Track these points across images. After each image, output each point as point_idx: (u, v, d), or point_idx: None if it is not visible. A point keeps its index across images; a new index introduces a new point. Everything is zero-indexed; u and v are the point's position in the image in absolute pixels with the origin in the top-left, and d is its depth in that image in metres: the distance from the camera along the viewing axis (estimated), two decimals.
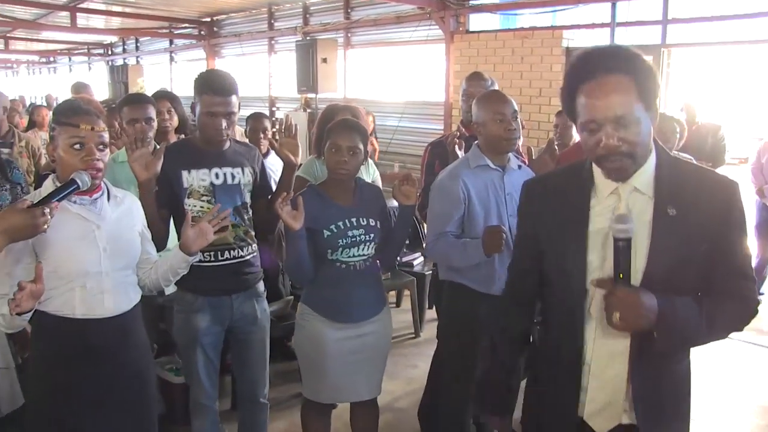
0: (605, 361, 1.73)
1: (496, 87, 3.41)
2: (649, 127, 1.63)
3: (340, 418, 3.35)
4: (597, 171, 1.73)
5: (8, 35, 15.85)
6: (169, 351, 3.76)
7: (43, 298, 2.01)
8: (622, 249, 1.58)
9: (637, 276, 1.63)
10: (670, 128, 4.30)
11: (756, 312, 1.73)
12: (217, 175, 2.72)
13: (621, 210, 1.67)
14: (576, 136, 4.86)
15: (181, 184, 2.68)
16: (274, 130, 2.99)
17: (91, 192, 2.13)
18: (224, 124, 2.64)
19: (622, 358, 1.71)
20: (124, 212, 2.28)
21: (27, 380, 2.39)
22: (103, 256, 2.14)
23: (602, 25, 7.00)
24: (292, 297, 4.33)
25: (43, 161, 4.99)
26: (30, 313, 1.96)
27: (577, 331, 1.75)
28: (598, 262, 1.69)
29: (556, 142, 4.88)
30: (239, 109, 2.72)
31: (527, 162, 3.35)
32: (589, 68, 1.63)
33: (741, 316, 1.71)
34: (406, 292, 5.39)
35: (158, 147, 2.61)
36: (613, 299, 1.59)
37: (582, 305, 1.73)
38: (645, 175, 1.67)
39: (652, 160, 1.68)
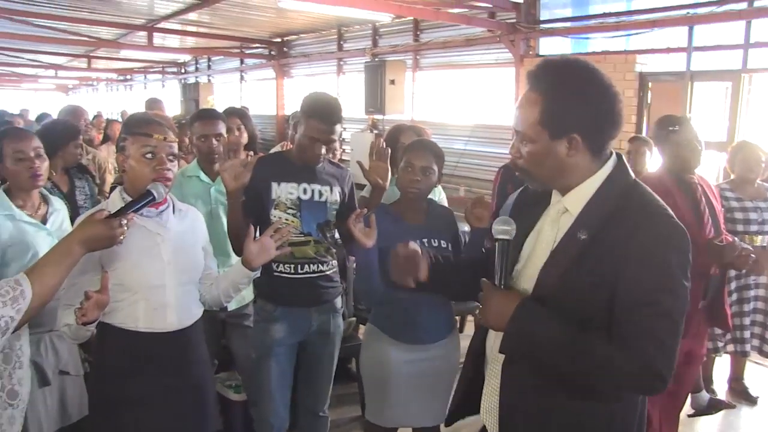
0: (495, 365, 1.72)
1: None
2: (559, 156, 1.58)
3: None
4: None
5: (91, 54, 16.53)
6: (230, 367, 3.76)
7: (107, 310, 2.01)
8: (499, 249, 1.64)
9: (529, 286, 1.63)
10: (754, 157, 4.09)
11: (648, 378, 1.47)
12: (305, 191, 2.77)
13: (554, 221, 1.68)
14: (648, 164, 4.70)
15: (269, 195, 2.73)
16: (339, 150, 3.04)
17: (158, 204, 2.13)
18: (324, 150, 2.71)
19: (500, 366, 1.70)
20: (188, 226, 2.29)
21: (89, 389, 2.41)
22: (167, 269, 2.15)
23: (678, 50, 6.78)
24: (354, 318, 4.29)
25: (108, 175, 5.14)
26: (94, 324, 1.96)
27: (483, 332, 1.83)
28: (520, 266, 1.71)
29: None
30: (341, 135, 2.78)
31: None
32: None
33: (623, 369, 1.46)
34: (470, 318, 5.28)
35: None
36: (480, 295, 1.64)
37: None
38: (576, 197, 1.62)
39: (591, 184, 1.60)
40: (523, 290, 1.65)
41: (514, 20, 8.17)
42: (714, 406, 4.28)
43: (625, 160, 1.66)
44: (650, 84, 7.00)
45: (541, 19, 8.13)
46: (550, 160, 1.59)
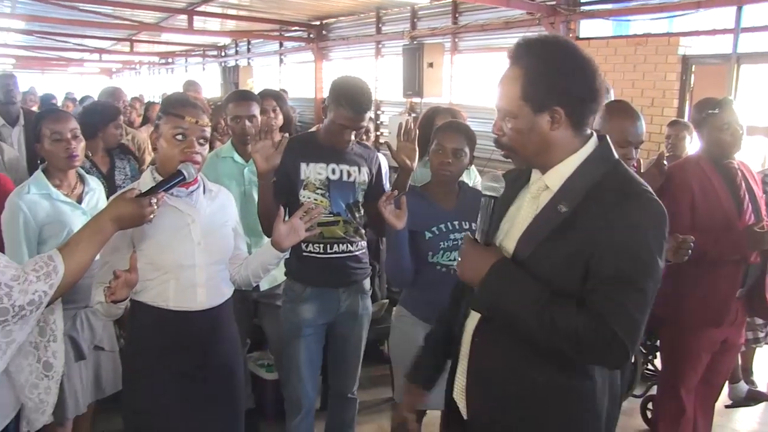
0: (466, 347, 1.75)
1: (612, 94, 3.18)
2: (542, 131, 1.58)
3: (427, 426, 3.28)
4: None
5: (133, 38, 16.78)
6: (262, 346, 3.81)
7: (139, 288, 2.06)
8: (484, 205, 1.66)
9: (509, 253, 1.65)
10: None
11: (610, 348, 1.47)
12: (333, 171, 2.78)
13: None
14: (689, 148, 4.60)
15: (298, 175, 2.75)
16: (378, 132, 3.04)
17: (188, 184, 2.16)
18: (352, 136, 2.74)
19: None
20: (219, 207, 2.31)
21: (122, 364, 2.47)
22: (197, 249, 2.17)
23: (724, 32, 6.56)
24: (387, 300, 4.30)
25: (147, 156, 5.22)
26: (125, 302, 2.00)
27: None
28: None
29: (667, 154, 4.64)
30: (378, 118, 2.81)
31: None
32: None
33: (588, 336, 1.46)
34: None
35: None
36: (461, 247, 1.70)
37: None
38: (557, 175, 1.63)
39: (572, 162, 1.61)
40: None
41: (554, 2, 8.03)
42: (753, 398, 4.19)
43: (610, 141, 1.66)
44: (693, 67, 6.81)
45: (582, 1, 7.97)
46: (533, 135, 1.60)
